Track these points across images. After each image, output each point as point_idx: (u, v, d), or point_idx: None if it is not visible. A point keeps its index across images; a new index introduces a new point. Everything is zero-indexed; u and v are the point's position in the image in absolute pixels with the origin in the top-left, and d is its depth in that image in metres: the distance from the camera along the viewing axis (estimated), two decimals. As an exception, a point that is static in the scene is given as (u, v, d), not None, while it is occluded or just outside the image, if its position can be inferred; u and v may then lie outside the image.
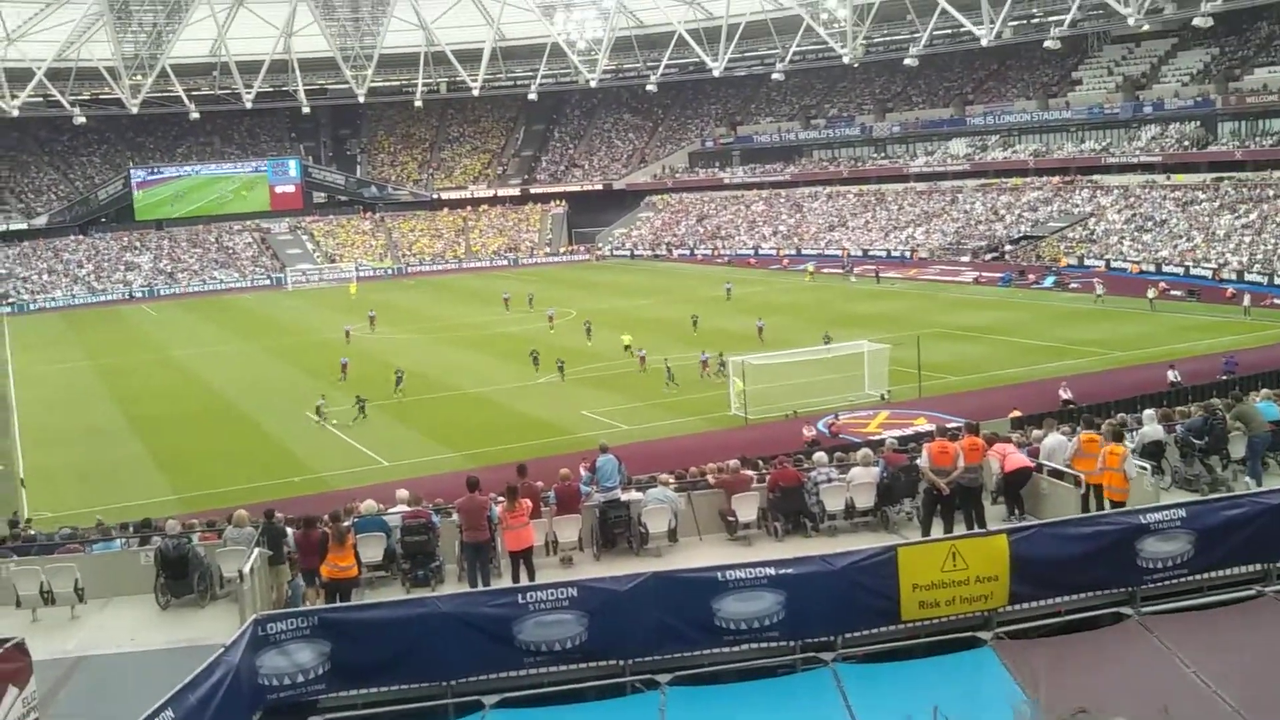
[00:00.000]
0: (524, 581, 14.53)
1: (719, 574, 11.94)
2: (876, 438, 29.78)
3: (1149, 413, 19.32)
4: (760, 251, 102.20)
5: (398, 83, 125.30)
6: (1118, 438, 16.39)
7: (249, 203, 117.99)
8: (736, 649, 11.93)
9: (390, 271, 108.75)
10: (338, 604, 13.83)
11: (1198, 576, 12.83)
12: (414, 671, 11.63)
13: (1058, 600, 12.59)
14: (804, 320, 59.68)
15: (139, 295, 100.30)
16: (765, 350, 46.33)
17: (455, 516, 15.95)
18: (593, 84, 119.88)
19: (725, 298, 71.89)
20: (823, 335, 48.44)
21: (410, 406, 44.93)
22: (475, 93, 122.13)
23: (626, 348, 51.54)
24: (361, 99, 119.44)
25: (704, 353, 47.34)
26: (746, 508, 16.51)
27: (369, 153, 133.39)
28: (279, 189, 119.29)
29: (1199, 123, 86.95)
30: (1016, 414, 32.35)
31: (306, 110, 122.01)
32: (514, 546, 15.26)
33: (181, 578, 15.17)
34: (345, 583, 14.63)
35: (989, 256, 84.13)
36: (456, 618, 11.64)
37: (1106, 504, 15.34)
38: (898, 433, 30.10)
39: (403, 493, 18.41)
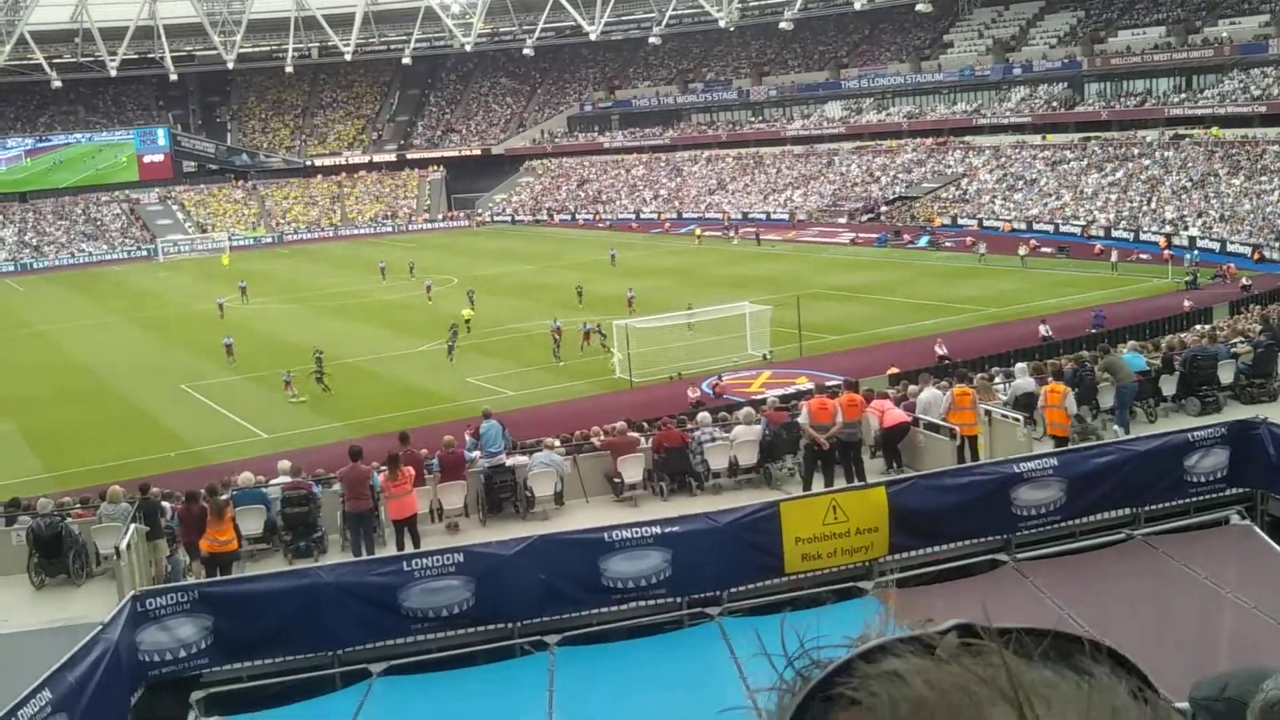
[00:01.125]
0: (409, 549, 14.44)
1: (605, 535, 12.04)
2: (759, 397, 30.18)
3: (1021, 366, 19.90)
4: (642, 216, 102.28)
5: (268, 48, 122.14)
6: (1057, 375, 17.22)
7: (117, 173, 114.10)
8: (624, 607, 12.05)
9: (265, 240, 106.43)
10: (218, 577, 13.61)
11: (1070, 522, 13.30)
12: (298, 643, 11.55)
13: (936, 549, 12.95)
14: (689, 284, 59.92)
15: (5, 270, 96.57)
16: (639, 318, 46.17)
17: (337, 486, 15.80)
18: (468, 48, 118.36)
19: (610, 263, 71.45)
20: (686, 304, 47.83)
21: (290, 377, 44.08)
22: (348, 57, 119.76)
23: (467, 323, 49.84)
24: (231, 65, 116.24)
25: (585, 323, 46.59)
26: (632, 469, 16.62)
27: (240, 120, 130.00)
28: (147, 158, 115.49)
29: (1066, 84, 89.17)
30: (894, 371, 33.02)
31: (174, 78, 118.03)
32: (397, 515, 15.18)
33: (55, 556, 14.79)
34: (225, 556, 14.44)
35: (865, 218, 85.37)
36: (340, 587, 11.59)
37: (981, 455, 15.81)
38: (780, 391, 30.47)
39: (284, 464, 18.17)
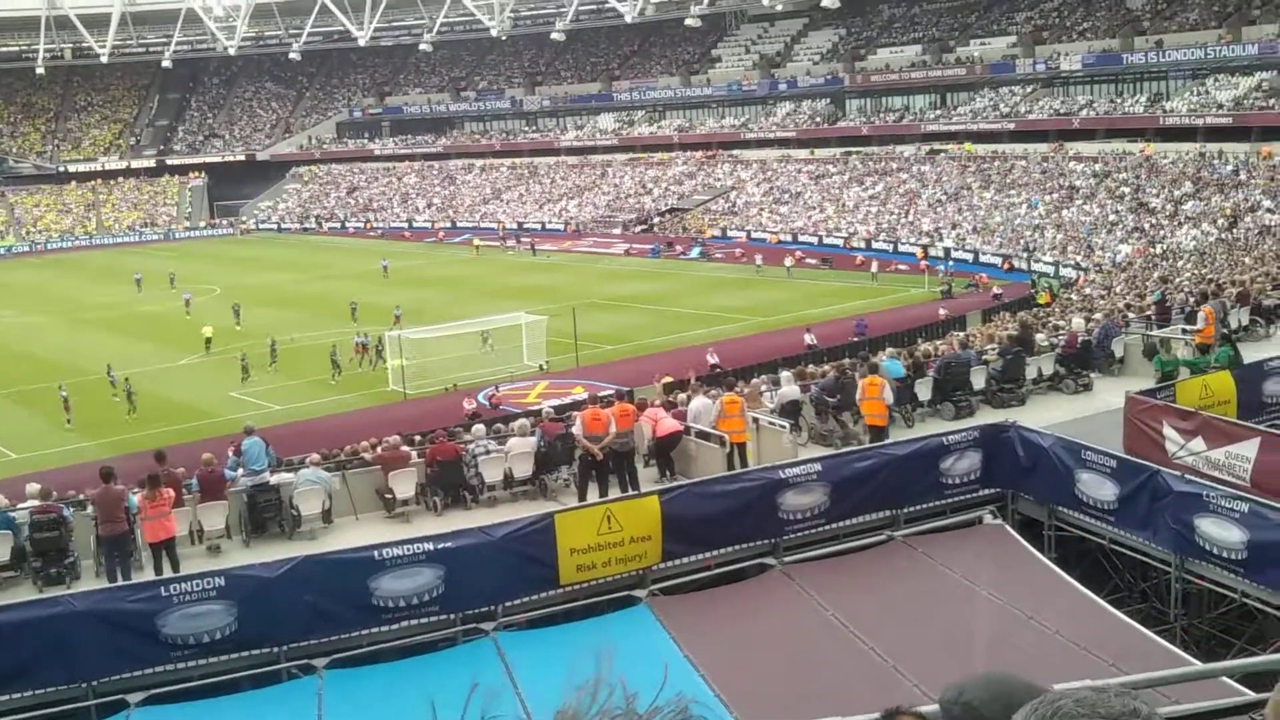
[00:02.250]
0: (167, 573, 13.75)
1: (375, 553, 11.80)
2: (535, 407, 30.12)
3: (786, 374, 20.38)
4: (415, 225, 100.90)
5: (16, 48, 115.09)
6: (873, 370, 18.26)
7: None
8: (396, 626, 11.79)
9: (18, 250, 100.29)
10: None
11: (834, 525, 13.72)
12: (50, 674, 11.00)
13: (707, 554, 13.14)
14: (464, 294, 59.40)
15: None
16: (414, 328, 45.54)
17: (90, 509, 14.94)
18: (232, 51, 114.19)
19: (382, 274, 69.89)
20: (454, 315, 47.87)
21: (40, 394, 41.53)
22: (104, 59, 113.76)
23: (208, 341, 48.25)
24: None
25: (360, 335, 45.54)
26: (404, 484, 16.28)
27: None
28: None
29: (829, 100, 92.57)
30: (667, 379, 33.40)
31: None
32: (154, 538, 14.45)
33: None
34: (-37, 587, 13.43)
35: (639, 229, 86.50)
36: (94, 615, 11.08)
37: (753, 460, 16.13)
38: (556, 401, 30.50)
39: (33, 486, 17.05)
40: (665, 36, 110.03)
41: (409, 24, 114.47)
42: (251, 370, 43.17)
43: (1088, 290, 43.49)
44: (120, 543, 14.47)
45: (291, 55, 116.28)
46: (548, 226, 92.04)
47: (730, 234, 79.89)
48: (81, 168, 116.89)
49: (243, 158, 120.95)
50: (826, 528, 13.65)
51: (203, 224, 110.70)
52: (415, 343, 41.33)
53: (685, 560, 13.01)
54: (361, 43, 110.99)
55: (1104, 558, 13.42)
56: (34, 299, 68.17)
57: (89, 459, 31.01)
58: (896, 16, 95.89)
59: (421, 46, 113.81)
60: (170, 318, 57.43)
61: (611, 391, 27.62)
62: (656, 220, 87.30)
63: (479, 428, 19.62)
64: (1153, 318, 25.75)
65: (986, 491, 14.45)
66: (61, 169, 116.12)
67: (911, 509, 14.04)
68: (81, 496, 16.77)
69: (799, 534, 13.52)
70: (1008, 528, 13.45)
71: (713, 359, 38.64)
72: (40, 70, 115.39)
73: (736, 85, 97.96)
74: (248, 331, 50.25)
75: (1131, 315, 24.20)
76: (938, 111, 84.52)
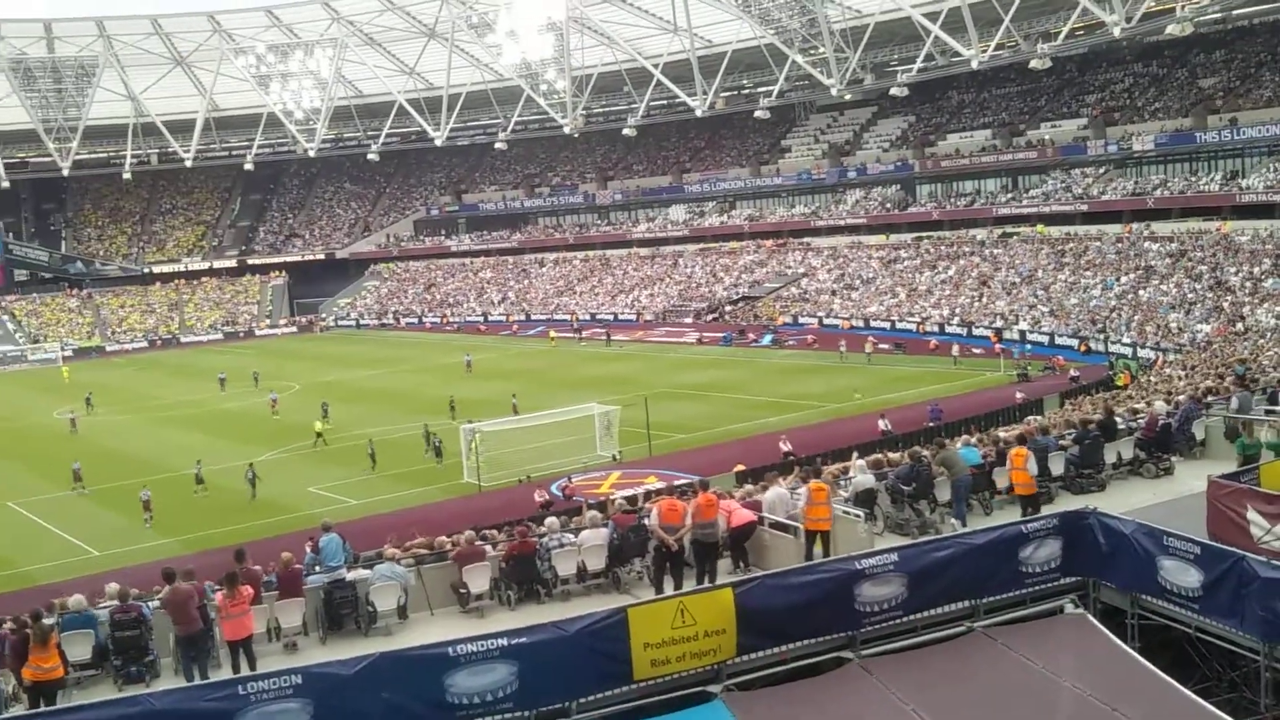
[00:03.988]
0: (245, 671, 13.85)
1: (449, 649, 11.77)
2: (607, 498, 30.08)
3: (860, 463, 20.16)
4: (490, 318, 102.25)
5: (105, 154, 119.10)
6: (1021, 440, 18.78)
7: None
8: (471, 724, 11.74)
9: (108, 349, 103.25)
10: (42, 709, 12.83)
11: (912, 616, 13.47)
12: (128, 774, 10.94)
13: (783, 648, 12.97)
14: (540, 385, 59.84)
15: None
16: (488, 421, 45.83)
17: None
18: (311, 153, 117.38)
19: (465, 369, 69.82)
20: (511, 404, 49.20)
21: (120, 492, 42.31)
22: (188, 163, 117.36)
23: (319, 435, 48.99)
24: (66, 172, 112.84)
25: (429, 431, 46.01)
26: (478, 578, 16.29)
27: (75, 227, 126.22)
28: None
29: (899, 186, 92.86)
30: (741, 468, 33.33)
31: (6, 184, 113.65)
32: (233, 635, 14.55)
33: None
34: (50, 684, 13.61)
35: (710, 317, 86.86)
36: (172, 714, 11.08)
37: (832, 550, 15.93)
38: (626, 492, 30.45)
39: (112, 586, 17.33)
40: (735, 129, 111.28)
41: (484, 123, 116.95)
42: (353, 463, 44.11)
43: (1168, 371, 42.75)
44: (196, 641, 14.57)
45: (370, 156, 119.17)
46: (620, 317, 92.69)
47: (801, 321, 79.89)
48: (166, 269, 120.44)
49: (322, 256, 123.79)
50: (905, 619, 13.41)
51: (282, 321, 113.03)
52: (489, 434, 41.67)
53: (761, 654, 12.84)
54: (438, 142, 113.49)
55: (1190, 646, 13.04)
56: (117, 397, 69.75)
57: (169, 555, 31.52)
58: (966, 102, 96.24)
59: (496, 145, 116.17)
60: (252, 415, 58.43)
61: (687, 481, 27.54)
62: (728, 309, 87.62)
63: (552, 520, 19.61)
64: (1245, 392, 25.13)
65: (1067, 580, 14.11)
66: (146, 270, 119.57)
67: (991, 599, 13.77)
68: (155, 601, 17.00)
69: (876, 626, 13.27)
70: (1090, 617, 13.15)
71: (785, 446, 38.44)
72: (127, 175, 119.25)
73: (806, 174, 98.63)
74: (337, 426, 50.77)
75: (1211, 399, 23.66)
76: (1009, 194, 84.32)
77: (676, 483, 29.64)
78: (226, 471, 44.05)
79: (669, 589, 15.77)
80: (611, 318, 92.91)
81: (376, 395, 62.28)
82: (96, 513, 40.26)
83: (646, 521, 16.73)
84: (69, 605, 15.64)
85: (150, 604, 15.43)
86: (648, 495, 21.52)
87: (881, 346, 65.55)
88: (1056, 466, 19.21)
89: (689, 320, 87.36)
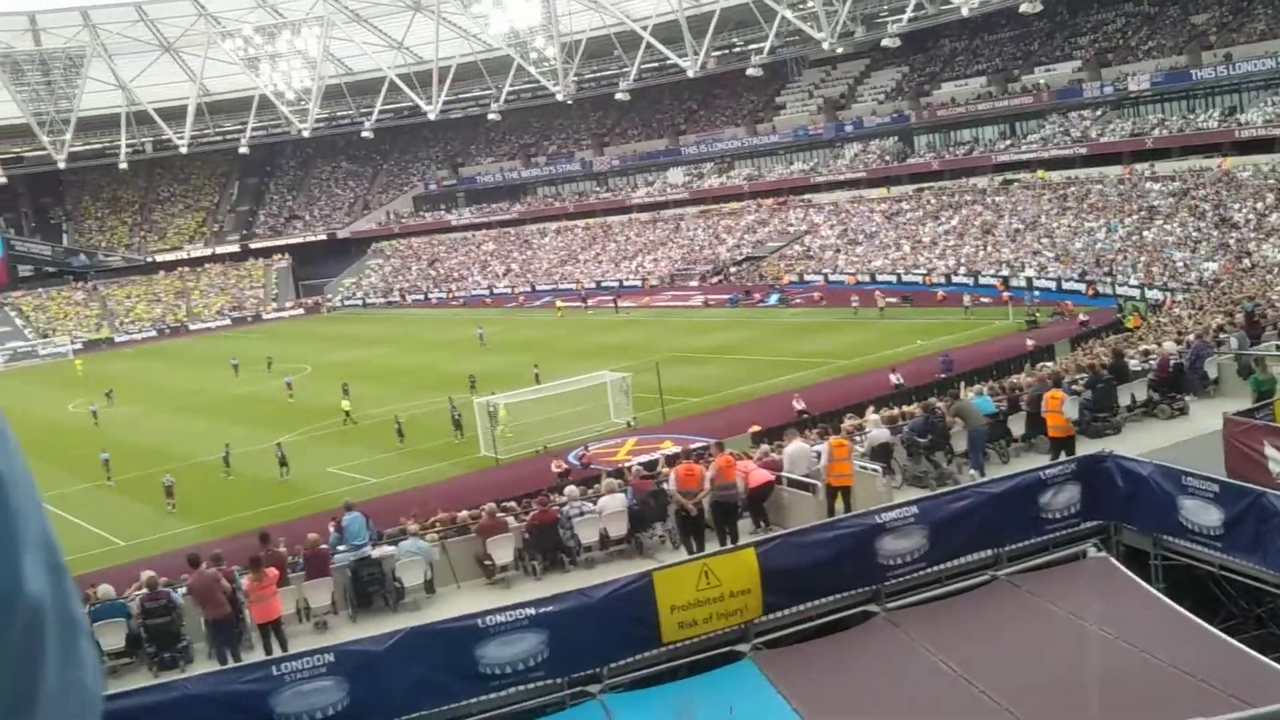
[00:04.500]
0: (276, 653, 14.01)
1: (479, 621, 11.90)
2: (624, 464, 30.21)
3: (874, 417, 20.21)
4: (495, 291, 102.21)
5: (100, 145, 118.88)
6: (1057, 382, 18.70)
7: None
8: (503, 693, 11.88)
9: (117, 340, 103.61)
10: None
11: (935, 568, 13.57)
12: (167, 759, 11.09)
13: (809, 605, 13.08)
14: (551, 355, 59.70)
15: None
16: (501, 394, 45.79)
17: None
18: (306, 134, 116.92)
19: (479, 343, 69.43)
20: (533, 375, 49.68)
21: (139, 482, 42.55)
22: (183, 150, 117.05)
23: (347, 414, 49.16)
24: (62, 165, 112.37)
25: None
26: (502, 550, 16.43)
27: (75, 220, 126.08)
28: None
29: (897, 138, 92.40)
30: (756, 429, 33.40)
31: (3, 180, 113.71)
32: (262, 618, 14.72)
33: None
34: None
35: (715, 279, 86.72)
36: (209, 698, 11.24)
37: (852, 506, 16.01)
38: (645, 458, 30.56)
39: (146, 574, 17.51)
40: (728, 88, 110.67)
41: (476, 95, 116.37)
42: (372, 442, 44.47)
43: (1177, 311, 42.68)
44: (225, 625, 14.75)
45: (364, 134, 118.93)
46: (625, 284, 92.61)
47: (807, 278, 79.76)
48: (168, 257, 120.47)
49: (324, 237, 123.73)
50: (928, 571, 13.51)
51: (288, 304, 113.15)
52: (504, 406, 41.79)
53: (787, 612, 12.96)
54: (431, 117, 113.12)
55: (1215, 585, 13.11)
56: (132, 387, 69.81)
57: (193, 542, 31.70)
58: (959, 50, 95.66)
59: (490, 116, 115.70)
60: (267, 398, 58.58)
61: (703, 444, 27.65)
62: (733, 270, 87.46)
63: (571, 489, 19.75)
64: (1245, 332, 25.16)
65: (1088, 524, 14.19)
66: (150, 259, 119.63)
67: (1013, 547, 13.86)
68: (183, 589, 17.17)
69: (900, 579, 13.38)
70: (1113, 560, 13.22)
71: (799, 405, 38.49)
72: (124, 165, 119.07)
73: (803, 130, 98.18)
74: (357, 405, 50.82)
75: (1224, 334, 23.64)
76: (1008, 141, 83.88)
77: (692, 446, 29.73)
78: (246, 456, 44.23)
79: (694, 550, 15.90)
80: (617, 284, 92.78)
81: (392, 373, 62.30)
82: (120, 503, 40.46)
83: (665, 486, 16.84)
84: (99, 595, 15.81)
85: (178, 590, 15.60)
86: (665, 460, 21.62)
87: (890, 300, 65.44)
88: (1071, 412, 19.25)
89: (694, 284, 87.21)
